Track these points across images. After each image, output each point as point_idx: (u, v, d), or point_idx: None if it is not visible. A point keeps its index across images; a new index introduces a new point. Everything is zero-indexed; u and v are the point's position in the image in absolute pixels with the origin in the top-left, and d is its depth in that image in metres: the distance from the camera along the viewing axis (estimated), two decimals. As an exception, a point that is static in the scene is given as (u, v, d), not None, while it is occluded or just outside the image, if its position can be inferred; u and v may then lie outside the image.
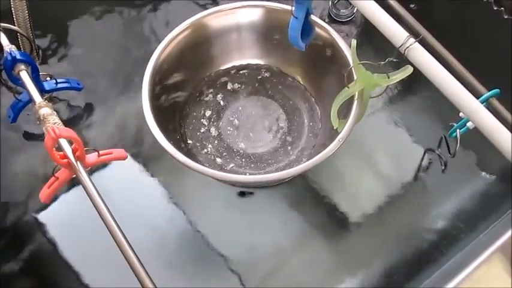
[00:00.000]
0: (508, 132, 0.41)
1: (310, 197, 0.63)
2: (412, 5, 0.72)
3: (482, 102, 0.49)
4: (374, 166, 0.65)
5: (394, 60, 0.48)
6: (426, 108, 0.68)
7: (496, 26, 0.72)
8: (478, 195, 0.63)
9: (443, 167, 0.64)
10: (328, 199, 0.63)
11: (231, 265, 0.58)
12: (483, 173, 0.64)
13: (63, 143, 0.44)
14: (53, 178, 0.45)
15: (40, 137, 0.66)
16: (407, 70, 0.48)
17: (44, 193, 0.46)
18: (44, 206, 0.61)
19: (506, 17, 0.71)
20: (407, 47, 0.44)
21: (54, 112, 0.47)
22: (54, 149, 0.43)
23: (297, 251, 0.60)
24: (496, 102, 0.50)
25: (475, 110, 0.42)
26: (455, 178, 0.64)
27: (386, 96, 0.70)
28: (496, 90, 0.49)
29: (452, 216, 0.62)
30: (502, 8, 0.73)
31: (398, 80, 0.49)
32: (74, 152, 0.44)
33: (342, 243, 0.61)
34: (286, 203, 0.62)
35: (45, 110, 0.46)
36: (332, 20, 0.68)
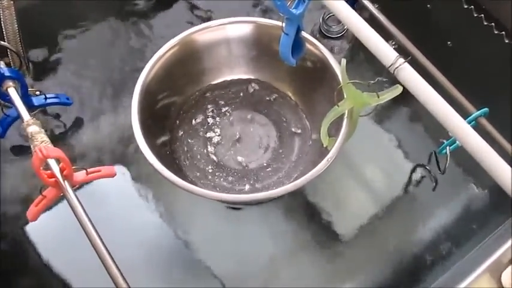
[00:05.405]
0: (495, 153, 0.41)
1: (301, 211, 0.62)
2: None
3: (470, 122, 0.49)
4: (365, 181, 0.65)
5: (384, 79, 0.48)
6: (418, 122, 0.68)
7: (493, 48, 0.70)
8: (469, 211, 0.63)
9: (434, 184, 0.63)
10: (319, 213, 0.62)
11: (221, 278, 0.58)
12: (475, 188, 0.64)
13: (51, 162, 0.43)
14: (40, 197, 0.44)
15: (28, 151, 0.63)
16: (397, 90, 0.48)
17: (32, 211, 0.45)
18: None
19: (507, 41, 0.70)
20: (397, 67, 0.44)
21: (42, 130, 0.47)
22: (41, 168, 0.43)
23: (287, 264, 0.59)
24: (484, 122, 0.50)
25: (462, 131, 0.42)
26: (447, 193, 0.64)
27: (380, 111, 0.69)
28: (485, 110, 0.50)
29: (442, 233, 0.61)
30: (503, 33, 0.73)
31: (388, 99, 0.49)
32: (61, 170, 0.43)
33: (331, 257, 0.60)
34: (276, 216, 0.62)
35: (33, 128, 0.46)
36: (323, 36, 0.66)
